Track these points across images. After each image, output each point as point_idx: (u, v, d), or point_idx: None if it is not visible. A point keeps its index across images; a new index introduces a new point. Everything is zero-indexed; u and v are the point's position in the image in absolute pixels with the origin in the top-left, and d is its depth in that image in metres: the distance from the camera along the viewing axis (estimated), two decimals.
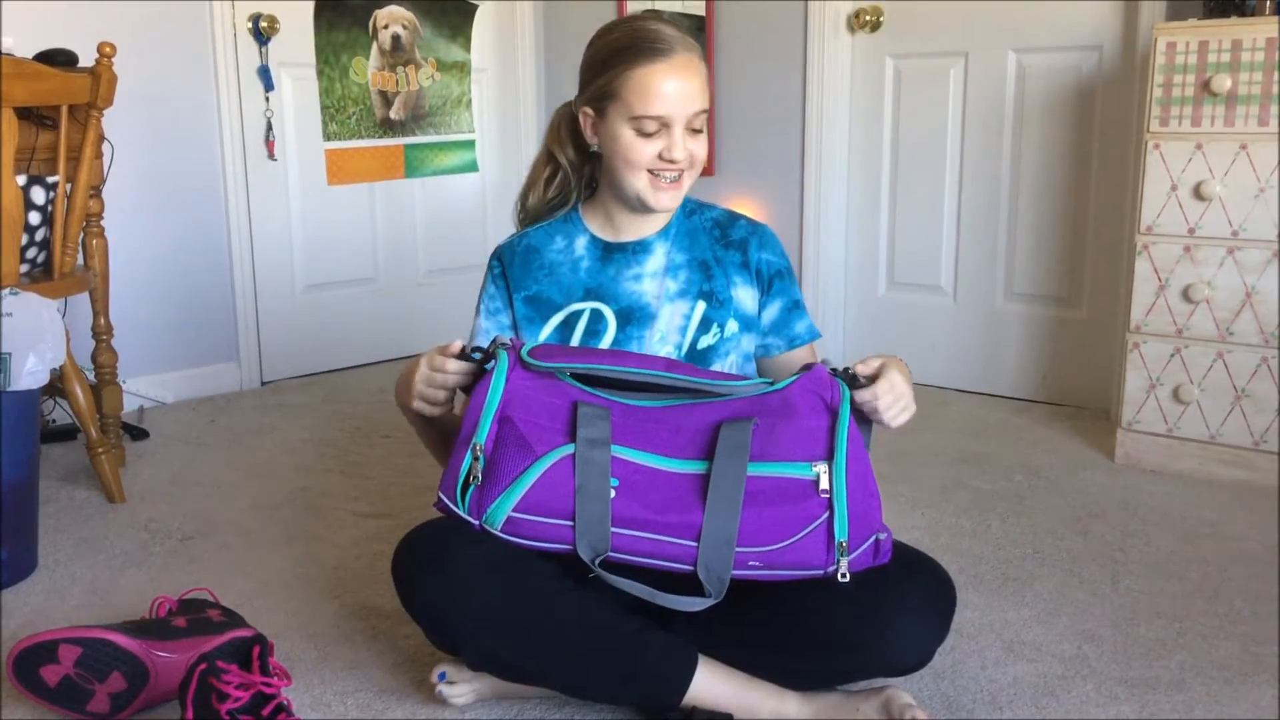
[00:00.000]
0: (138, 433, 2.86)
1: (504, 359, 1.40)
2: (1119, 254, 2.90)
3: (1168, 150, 2.42)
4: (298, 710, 1.51)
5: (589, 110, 1.57)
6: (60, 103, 2.29)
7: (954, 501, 2.35)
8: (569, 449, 1.36)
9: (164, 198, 3.15)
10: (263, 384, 3.42)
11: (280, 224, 3.44)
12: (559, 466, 1.35)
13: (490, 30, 3.85)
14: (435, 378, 1.46)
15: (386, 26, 3.59)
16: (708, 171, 3.45)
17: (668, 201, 1.56)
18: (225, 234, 3.30)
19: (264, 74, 3.31)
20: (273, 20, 3.29)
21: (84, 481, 2.51)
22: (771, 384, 1.41)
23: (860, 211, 3.39)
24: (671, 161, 1.52)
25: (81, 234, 2.54)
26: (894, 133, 3.29)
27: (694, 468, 1.37)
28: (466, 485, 1.37)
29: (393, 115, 3.65)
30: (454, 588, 1.37)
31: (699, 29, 3.50)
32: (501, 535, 1.36)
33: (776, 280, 1.63)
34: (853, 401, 1.39)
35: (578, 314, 1.60)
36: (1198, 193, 2.39)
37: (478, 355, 1.43)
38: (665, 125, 1.51)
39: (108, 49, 2.32)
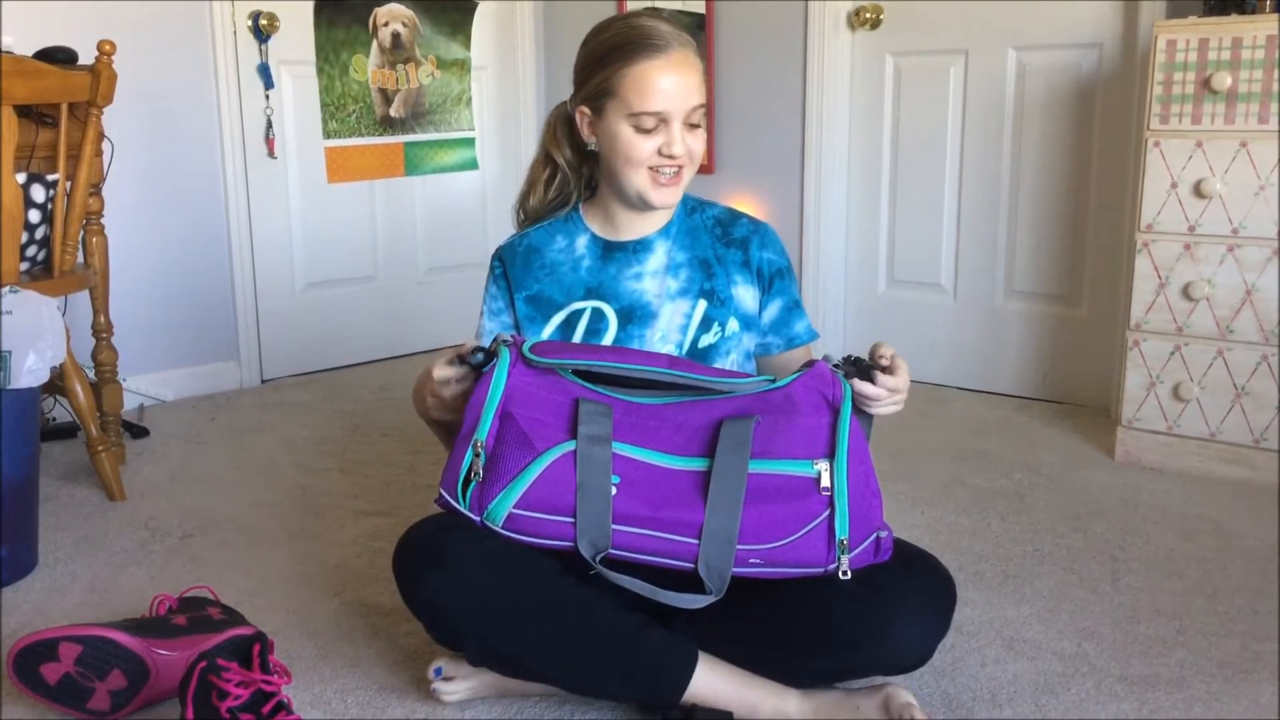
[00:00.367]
0: (138, 431, 2.86)
1: (505, 355, 1.40)
2: (1119, 252, 2.90)
3: (1168, 148, 2.42)
4: (298, 708, 1.51)
5: (586, 109, 1.57)
6: (60, 100, 2.29)
7: (954, 499, 2.35)
8: (570, 445, 1.35)
9: (164, 195, 3.15)
10: (263, 382, 3.42)
11: (280, 222, 3.44)
12: (560, 463, 1.35)
13: (490, 28, 3.85)
14: (436, 387, 1.46)
15: (386, 24, 3.59)
16: (708, 169, 3.47)
17: (668, 197, 1.56)
18: (225, 232, 3.30)
19: (264, 72, 3.31)
20: (272, 18, 3.29)
21: (84, 479, 2.51)
22: (773, 381, 1.40)
23: (860, 209, 3.39)
24: (671, 157, 1.52)
25: (81, 232, 2.54)
26: (894, 130, 3.28)
27: (695, 465, 1.37)
28: (468, 481, 1.37)
29: (393, 113, 3.65)
30: (454, 584, 1.37)
31: (699, 27, 3.49)
32: (503, 532, 1.36)
33: (777, 279, 1.63)
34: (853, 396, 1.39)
35: (579, 313, 1.60)
36: (1198, 190, 2.39)
37: (479, 357, 1.43)
38: (664, 121, 1.51)
39: (107, 47, 2.32)
